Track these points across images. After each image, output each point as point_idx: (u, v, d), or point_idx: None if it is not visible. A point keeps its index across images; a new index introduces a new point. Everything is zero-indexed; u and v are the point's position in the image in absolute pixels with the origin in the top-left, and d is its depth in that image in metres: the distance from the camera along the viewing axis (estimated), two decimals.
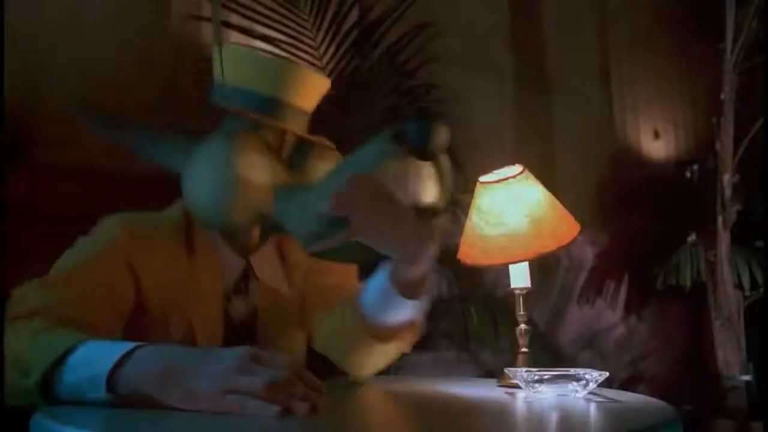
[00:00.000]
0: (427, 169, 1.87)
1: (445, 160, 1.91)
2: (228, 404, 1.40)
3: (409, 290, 1.92)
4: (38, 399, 1.56)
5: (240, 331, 2.23)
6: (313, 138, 2.17)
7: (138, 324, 2.03)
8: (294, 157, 2.16)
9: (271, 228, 2.19)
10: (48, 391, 1.56)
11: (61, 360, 1.56)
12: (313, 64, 4.15)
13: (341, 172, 1.84)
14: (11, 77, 2.84)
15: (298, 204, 1.93)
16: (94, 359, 1.53)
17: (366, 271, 2.07)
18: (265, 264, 2.31)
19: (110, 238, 2.06)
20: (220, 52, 2.10)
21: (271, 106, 2.10)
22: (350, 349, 2.16)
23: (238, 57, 2.17)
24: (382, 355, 2.15)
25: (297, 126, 2.16)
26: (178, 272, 2.11)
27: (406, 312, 1.98)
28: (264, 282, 2.29)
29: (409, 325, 2.04)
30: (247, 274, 2.26)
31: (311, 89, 2.19)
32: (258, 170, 2.00)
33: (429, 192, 1.90)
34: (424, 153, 1.81)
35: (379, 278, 1.96)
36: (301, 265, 2.38)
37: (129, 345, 1.54)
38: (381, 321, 2.01)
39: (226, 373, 1.43)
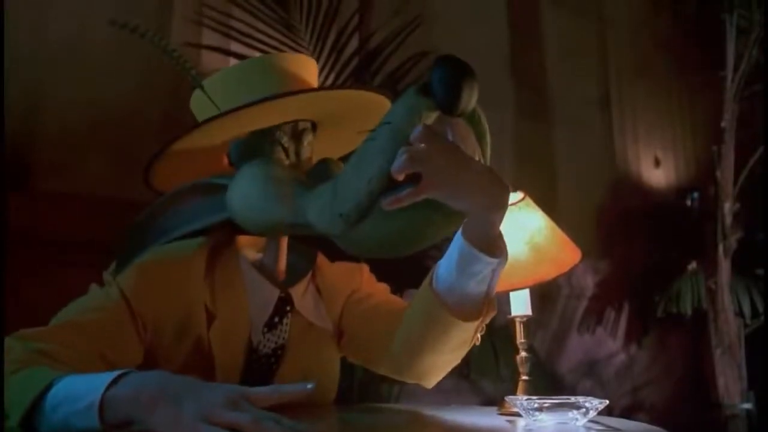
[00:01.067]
0: (463, 126, 1.74)
1: (481, 115, 1.81)
2: None
3: (487, 245, 1.82)
4: None
5: (263, 364, 2.19)
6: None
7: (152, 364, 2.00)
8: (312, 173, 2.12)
9: (300, 236, 2.12)
10: (33, 429, 1.54)
11: (39, 399, 1.54)
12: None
13: (373, 140, 1.65)
14: (12, 103, 2.85)
15: (322, 191, 1.76)
16: (80, 394, 1.51)
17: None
18: (307, 297, 2.27)
19: (117, 294, 2.00)
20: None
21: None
22: (424, 347, 2.05)
23: (219, 84, 2.16)
24: (463, 338, 2.01)
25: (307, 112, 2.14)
26: (199, 320, 2.06)
27: (487, 275, 1.86)
28: (303, 316, 2.23)
29: (488, 299, 1.93)
30: (285, 306, 2.20)
31: (304, 71, 2.16)
32: (286, 177, 1.96)
33: (470, 152, 1.75)
34: (452, 106, 1.63)
35: (454, 244, 1.86)
36: (338, 297, 2.33)
37: (114, 373, 1.52)
38: (463, 290, 1.89)
39: (213, 405, 1.40)
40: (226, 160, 2.17)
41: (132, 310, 1.98)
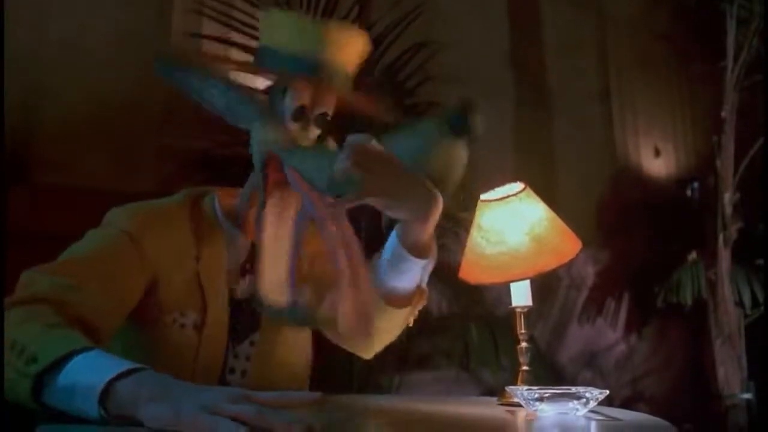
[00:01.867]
0: (464, 152, 1.90)
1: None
2: (202, 424, 1.37)
3: (418, 248, 1.99)
4: (28, 388, 1.53)
5: (245, 311, 2.24)
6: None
7: (147, 312, 2.07)
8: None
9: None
10: (38, 388, 1.54)
11: (62, 361, 1.54)
12: None
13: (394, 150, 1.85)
14: (12, 99, 2.85)
15: (317, 160, 1.94)
16: (96, 368, 1.52)
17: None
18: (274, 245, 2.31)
19: (119, 230, 2.08)
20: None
21: (310, 65, 2.08)
22: None
23: (274, 21, 2.19)
24: (394, 321, 2.17)
25: (339, 83, 2.16)
26: (189, 256, 2.14)
27: (416, 272, 2.04)
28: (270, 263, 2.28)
29: (419, 290, 2.10)
30: (254, 255, 2.23)
31: (349, 45, 2.18)
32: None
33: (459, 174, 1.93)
34: (463, 137, 1.85)
35: (390, 242, 2.03)
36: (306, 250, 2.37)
37: (134, 364, 1.52)
38: (393, 284, 2.06)
39: (215, 400, 1.41)
40: None
41: (135, 244, 2.05)
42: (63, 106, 3.74)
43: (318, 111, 2.12)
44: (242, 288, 2.24)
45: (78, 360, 1.54)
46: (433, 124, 1.86)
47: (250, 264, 2.25)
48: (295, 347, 2.38)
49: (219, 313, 2.16)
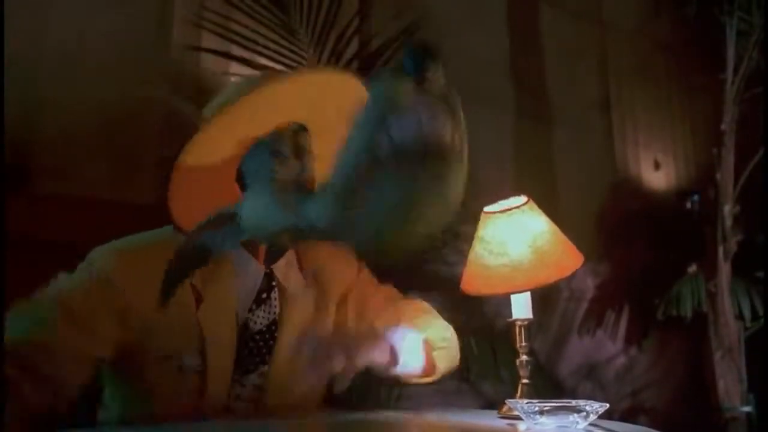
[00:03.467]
0: (437, 103, 1.75)
1: (453, 94, 1.81)
2: None
3: None
4: None
5: (258, 341, 2.24)
6: None
7: (139, 357, 2.06)
8: None
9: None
10: None
11: None
12: None
13: (364, 114, 1.74)
14: (11, 107, 2.84)
15: (320, 191, 1.83)
16: None
17: None
18: (290, 274, 2.34)
19: (97, 276, 2.07)
20: None
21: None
22: None
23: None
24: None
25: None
26: (184, 298, 2.10)
27: None
28: (289, 291, 2.31)
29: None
30: (270, 281, 2.27)
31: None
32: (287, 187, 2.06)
33: (444, 129, 1.75)
34: (422, 82, 1.74)
35: None
36: (334, 276, 2.43)
37: None
38: None
39: None
40: (237, 188, 2.18)
41: (113, 292, 2.03)
42: (62, 116, 3.73)
43: (293, 129, 2.16)
44: (257, 318, 2.23)
45: None
46: (388, 72, 1.78)
47: (266, 293, 2.25)
48: None
49: (222, 354, 2.14)
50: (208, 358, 2.10)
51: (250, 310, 2.22)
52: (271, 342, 2.26)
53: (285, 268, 2.32)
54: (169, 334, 2.08)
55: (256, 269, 2.23)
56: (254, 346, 2.22)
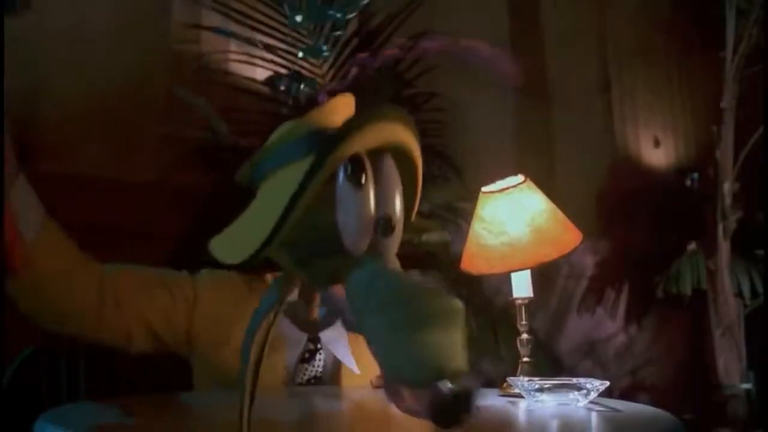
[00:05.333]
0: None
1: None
2: None
3: None
4: None
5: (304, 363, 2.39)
6: None
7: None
8: None
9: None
10: None
11: None
12: (312, 72, 4.14)
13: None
14: (13, 86, 2.84)
15: None
16: None
17: None
18: (339, 339, 2.45)
19: (188, 278, 2.32)
20: None
21: None
22: None
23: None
24: None
25: None
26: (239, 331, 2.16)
27: None
28: (336, 358, 2.44)
29: None
30: (316, 344, 2.41)
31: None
32: None
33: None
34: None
35: None
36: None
37: None
38: None
39: None
40: None
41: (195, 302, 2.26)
42: (62, 94, 3.73)
43: None
44: (299, 373, 2.38)
45: None
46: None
47: (309, 353, 2.39)
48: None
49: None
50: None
51: (296, 366, 2.37)
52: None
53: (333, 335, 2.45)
54: (221, 361, 2.25)
55: (298, 333, 2.38)
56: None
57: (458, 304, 1.15)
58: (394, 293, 1.13)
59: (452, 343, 1.09)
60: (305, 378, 2.38)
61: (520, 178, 2.51)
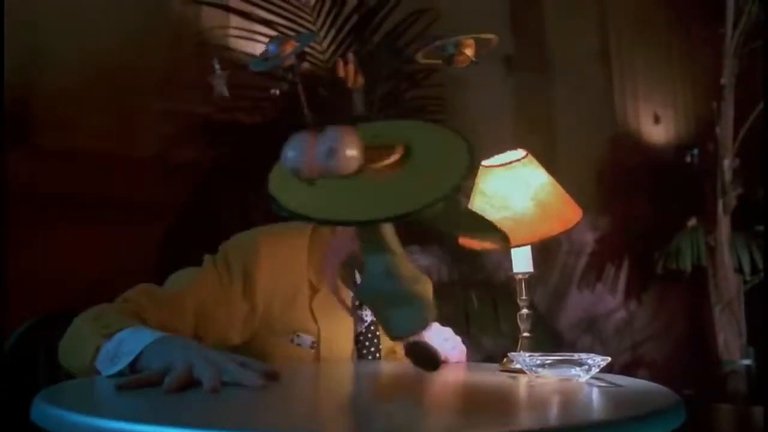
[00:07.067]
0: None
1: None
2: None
3: None
4: (94, 347, 1.77)
5: (364, 340, 2.44)
6: None
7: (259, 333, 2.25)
8: None
9: None
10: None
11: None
12: (312, 49, 4.14)
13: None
14: (12, 61, 2.83)
15: None
16: (140, 337, 1.75)
17: None
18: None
19: (222, 257, 2.24)
20: None
21: None
22: None
23: None
24: None
25: None
26: (303, 289, 2.30)
27: None
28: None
29: None
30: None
31: None
32: None
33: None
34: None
35: None
36: None
37: (161, 334, 1.77)
38: None
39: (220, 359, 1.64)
40: None
41: (247, 283, 2.20)
42: (63, 69, 3.73)
43: None
44: (360, 317, 2.42)
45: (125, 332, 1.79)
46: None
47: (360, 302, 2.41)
48: None
49: (338, 347, 2.34)
50: (321, 349, 2.29)
51: (360, 306, 2.40)
52: (378, 333, 2.46)
53: None
54: (286, 315, 2.25)
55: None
56: (365, 338, 2.42)
57: (426, 289, 1.59)
58: (393, 294, 1.55)
59: (418, 317, 1.56)
60: (365, 325, 2.44)
61: (522, 152, 2.50)
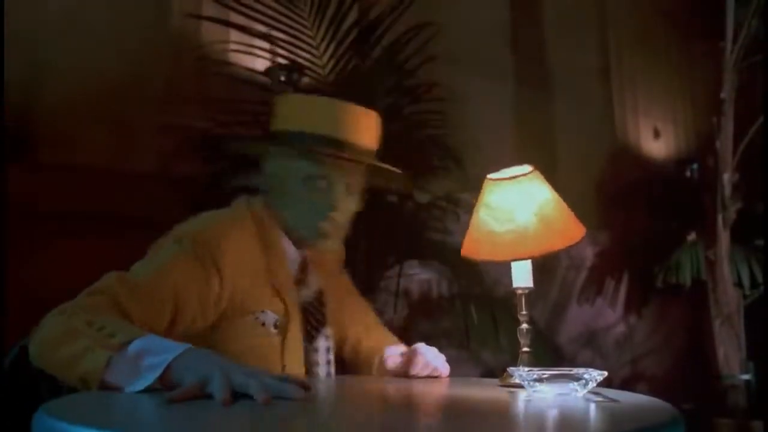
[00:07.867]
0: None
1: None
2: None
3: None
4: (104, 359, 1.72)
5: (310, 311, 2.48)
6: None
7: (227, 317, 2.25)
8: None
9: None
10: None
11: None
12: (312, 63, 4.15)
13: None
14: (13, 75, 2.84)
15: None
16: (160, 350, 1.74)
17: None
18: (323, 260, 2.59)
19: (189, 248, 2.20)
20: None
21: (333, 143, 2.29)
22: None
23: (296, 104, 2.44)
24: None
25: (362, 159, 2.34)
26: (259, 266, 2.31)
27: None
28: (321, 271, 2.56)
29: None
30: (305, 265, 2.49)
31: (364, 125, 2.37)
32: None
33: None
34: None
35: None
36: (324, 266, 2.62)
37: (185, 345, 1.75)
38: None
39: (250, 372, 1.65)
40: None
41: (206, 258, 2.19)
42: (63, 84, 3.74)
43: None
44: (303, 293, 2.45)
45: (137, 344, 1.76)
46: None
47: (303, 274, 2.48)
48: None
49: (295, 312, 2.37)
50: (288, 315, 2.34)
51: (297, 285, 2.43)
52: (323, 307, 2.53)
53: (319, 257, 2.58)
54: (260, 296, 2.29)
55: (295, 252, 2.44)
56: (312, 311, 2.48)
57: None
58: None
59: None
60: (312, 292, 2.52)
61: (528, 167, 2.52)
